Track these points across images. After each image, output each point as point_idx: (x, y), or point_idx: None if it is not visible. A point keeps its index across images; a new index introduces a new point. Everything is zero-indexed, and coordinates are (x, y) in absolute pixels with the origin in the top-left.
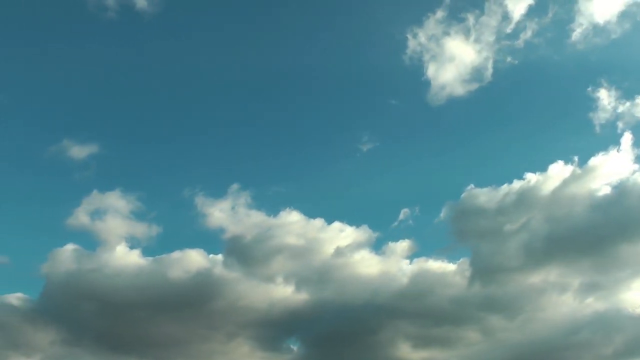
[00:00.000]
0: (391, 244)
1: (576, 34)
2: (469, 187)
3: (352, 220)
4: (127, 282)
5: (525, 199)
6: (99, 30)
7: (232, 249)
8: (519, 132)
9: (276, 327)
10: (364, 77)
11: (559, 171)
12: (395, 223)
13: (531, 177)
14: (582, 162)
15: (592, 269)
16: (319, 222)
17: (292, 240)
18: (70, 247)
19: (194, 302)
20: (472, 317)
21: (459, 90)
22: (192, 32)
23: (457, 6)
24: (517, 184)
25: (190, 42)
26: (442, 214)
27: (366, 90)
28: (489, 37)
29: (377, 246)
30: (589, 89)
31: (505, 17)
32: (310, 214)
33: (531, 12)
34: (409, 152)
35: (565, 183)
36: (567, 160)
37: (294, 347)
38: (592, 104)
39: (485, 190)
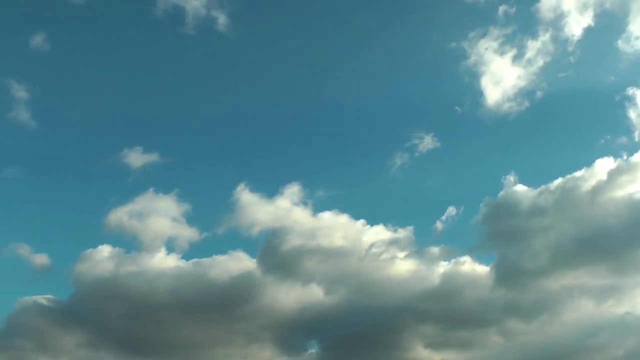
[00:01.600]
0: (428, 245)
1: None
2: (506, 187)
3: (395, 221)
4: (159, 285)
5: (560, 199)
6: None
7: (268, 251)
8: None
9: (298, 329)
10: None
11: (597, 171)
12: (437, 224)
13: (571, 178)
14: (623, 163)
15: (613, 273)
16: (360, 223)
17: (330, 242)
18: (105, 249)
19: (222, 304)
20: (493, 319)
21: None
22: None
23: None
24: (556, 183)
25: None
26: (478, 215)
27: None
28: (542, 56)
29: (415, 247)
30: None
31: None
32: (356, 215)
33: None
34: (454, 154)
35: (599, 185)
36: (611, 158)
37: (312, 350)
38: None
39: (524, 189)
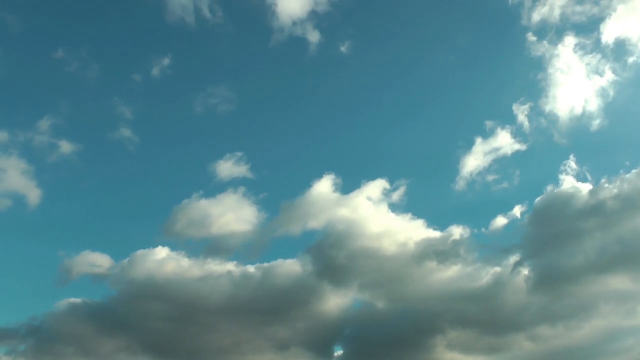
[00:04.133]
0: (480, 247)
1: None
2: (550, 187)
3: (455, 221)
4: (207, 289)
5: (610, 199)
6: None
7: (316, 254)
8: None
9: (327, 332)
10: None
11: None
12: (493, 226)
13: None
14: None
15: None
16: (416, 224)
17: (377, 244)
18: (162, 251)
19: (263, 308)
20: (525, 323)
21: None
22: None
23: None
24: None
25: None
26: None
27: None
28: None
29: (467, 247)
30: None
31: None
32: (419, 214)
33: None
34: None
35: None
36: None
37: (339, 351)
38: None
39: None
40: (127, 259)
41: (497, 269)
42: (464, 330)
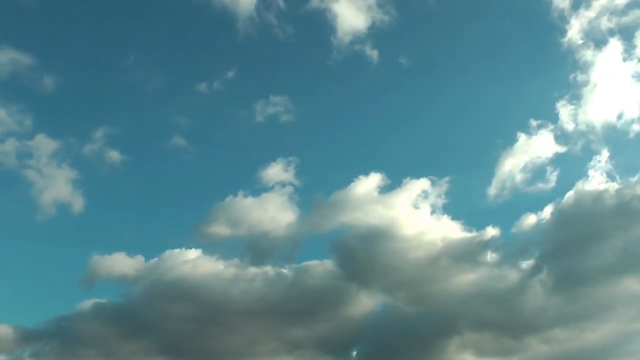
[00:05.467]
0: (504, 248)
1: None
2: (575, 188)
3: (491, 222)
4: (231, 291)
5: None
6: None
7: (346, 256)
8: None
9: (348, 335)
10: None
11: None
12: (521, 227)
13: None
14: None
15: None
16: (452, 225)
17: (408, 245)
18: (192, 252)
19: (286, 310)
20: (540, 325)
21: None
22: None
23: None
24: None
25: None
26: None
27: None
28: None
29: (494, 249)
30: None
31: None
32: (457, 215)
33: None
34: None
35: None
36: None
37: (354, 352)
38: None
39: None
40: (156, 259)
41: (517, 270)
42: (480, 332)
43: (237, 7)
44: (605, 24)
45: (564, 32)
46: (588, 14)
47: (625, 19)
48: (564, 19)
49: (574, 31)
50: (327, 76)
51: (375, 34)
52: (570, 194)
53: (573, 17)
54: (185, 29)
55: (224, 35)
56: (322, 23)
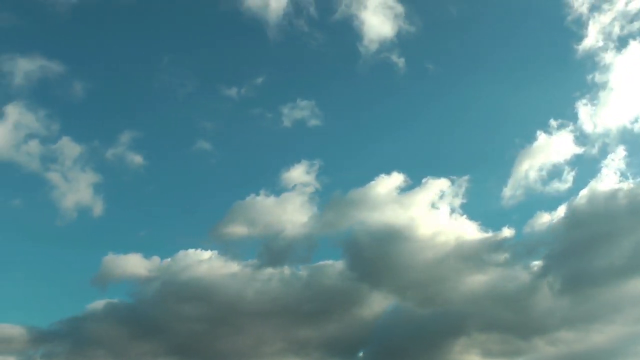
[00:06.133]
0: (515, 249)
1: None
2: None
3: (508, 222)
4: (243, 292)
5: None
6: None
7: (359, 256)
8: None
9: (357, 335)
10: None
11: None
12: (535, 228)
13: None
14: None
15: None
16: (469, 225)
17: (421, 246)
18: (206, 253)
19: (297, 311)
20: (547, 326)
21: None
22: None
23: None
24: None
25: None
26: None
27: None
28: None
29: (506, 250)
30: None
31: None
32: (474, 215)
33: None
34: None
35: None
36: None
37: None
38: None
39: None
40: (169, 260)
41: (527, 271)
42: (488, 333)
43: (267, 14)
44: (626, 27)
45: (582, 36)
46: (606, 17)
47: None
48: (581, 24)
49: (594, 33)
50: (354, 82)
51: (401, 41)
52: (582, 193)
53: (591, 20)
54: (217, 35)
55: (255, 42)
56: (350, 30)
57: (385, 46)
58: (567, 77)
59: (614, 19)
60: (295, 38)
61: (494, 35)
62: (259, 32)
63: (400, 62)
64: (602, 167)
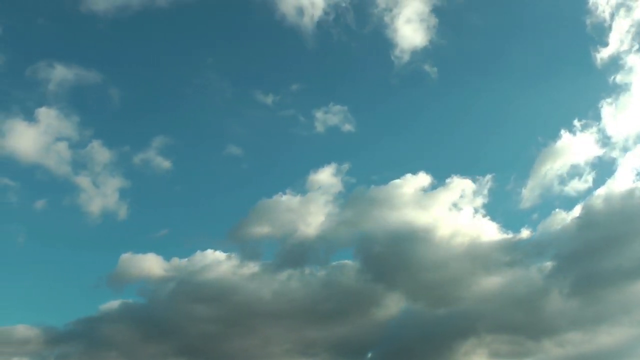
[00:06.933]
0: (530, 250)
1: None
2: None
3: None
4: (252, 292)
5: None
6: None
7: (368, 257)
8: None
9: (366, 337)
10: None
11: None
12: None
13: None
14: None
15: None
16: (489, 226)
17: (438, 248)
18: (221, 254)
19: (306, 312)
20: (556, 327)
21: None
22: None
23: None
24: None
25: None
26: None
27: None
28: None
29: (520, 250)
30: None
31: None
32: (495, 216)
33: None
34: None
35: None
36: None
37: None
38: None
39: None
40: (186, 260)
41: (538, 272)
42: (498, 334)
43: (303, 22)
44: None
45: (605, 39)
46: (630, 19)
47: None
48: (603, 31)
49: (618, 35)
50: (387, 89)
51: (433, 50)
52: (597, 193)
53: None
54: (253, 42)
55: (290, 49)
56: (384, 40)
57: (418, 55)
58: (591, 79)
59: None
60: (331, 46)
61: (522, 38)
62: (295, 40)
63: (432, 71)
64: (619, 167)
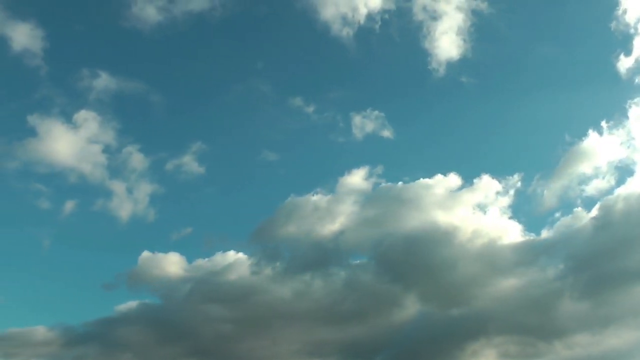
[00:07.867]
0: (546, 251)
1: None
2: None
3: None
4: (268, 294)
5: None
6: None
7: (391, 259)
8: None
9: (378, 339)
10: None
11: None
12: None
13: None
14: None
15: None
16: (512, 228)
17: (457, 250)
18: (240, 255)
19: (321, 314)
20: (565, 329)
21: None
22: None
23: None
24: None
25: None
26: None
27: None
28: None
29: (538, 251)
30: None
31: None
32: (519, 218)
33: None
34: None
35: None
36: None
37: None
38: None
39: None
40: (206, 261)
41: (552, 273)
42: (508, 335)
43: (340, 32)
44: None
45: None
46: None
47: None
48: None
49: None
50: (423, 98)
51: (468, 61)
52: (613, 195)
53: None
54: (296, 49)
55: (329, 58)
56: (420, 50)
57: (453, 66)
58: (618, 82)
59: None
60: (370, 55)
61: (553, 42)
62: (336, 47)
63: (467, 80)
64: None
